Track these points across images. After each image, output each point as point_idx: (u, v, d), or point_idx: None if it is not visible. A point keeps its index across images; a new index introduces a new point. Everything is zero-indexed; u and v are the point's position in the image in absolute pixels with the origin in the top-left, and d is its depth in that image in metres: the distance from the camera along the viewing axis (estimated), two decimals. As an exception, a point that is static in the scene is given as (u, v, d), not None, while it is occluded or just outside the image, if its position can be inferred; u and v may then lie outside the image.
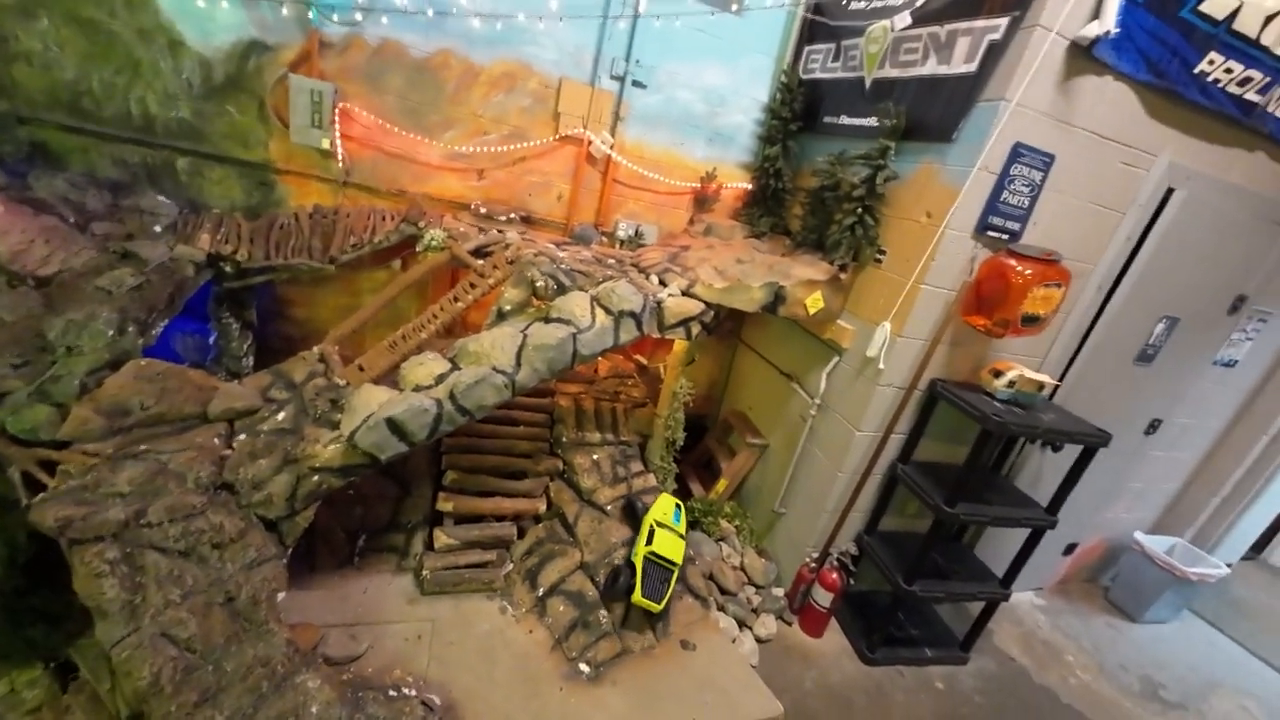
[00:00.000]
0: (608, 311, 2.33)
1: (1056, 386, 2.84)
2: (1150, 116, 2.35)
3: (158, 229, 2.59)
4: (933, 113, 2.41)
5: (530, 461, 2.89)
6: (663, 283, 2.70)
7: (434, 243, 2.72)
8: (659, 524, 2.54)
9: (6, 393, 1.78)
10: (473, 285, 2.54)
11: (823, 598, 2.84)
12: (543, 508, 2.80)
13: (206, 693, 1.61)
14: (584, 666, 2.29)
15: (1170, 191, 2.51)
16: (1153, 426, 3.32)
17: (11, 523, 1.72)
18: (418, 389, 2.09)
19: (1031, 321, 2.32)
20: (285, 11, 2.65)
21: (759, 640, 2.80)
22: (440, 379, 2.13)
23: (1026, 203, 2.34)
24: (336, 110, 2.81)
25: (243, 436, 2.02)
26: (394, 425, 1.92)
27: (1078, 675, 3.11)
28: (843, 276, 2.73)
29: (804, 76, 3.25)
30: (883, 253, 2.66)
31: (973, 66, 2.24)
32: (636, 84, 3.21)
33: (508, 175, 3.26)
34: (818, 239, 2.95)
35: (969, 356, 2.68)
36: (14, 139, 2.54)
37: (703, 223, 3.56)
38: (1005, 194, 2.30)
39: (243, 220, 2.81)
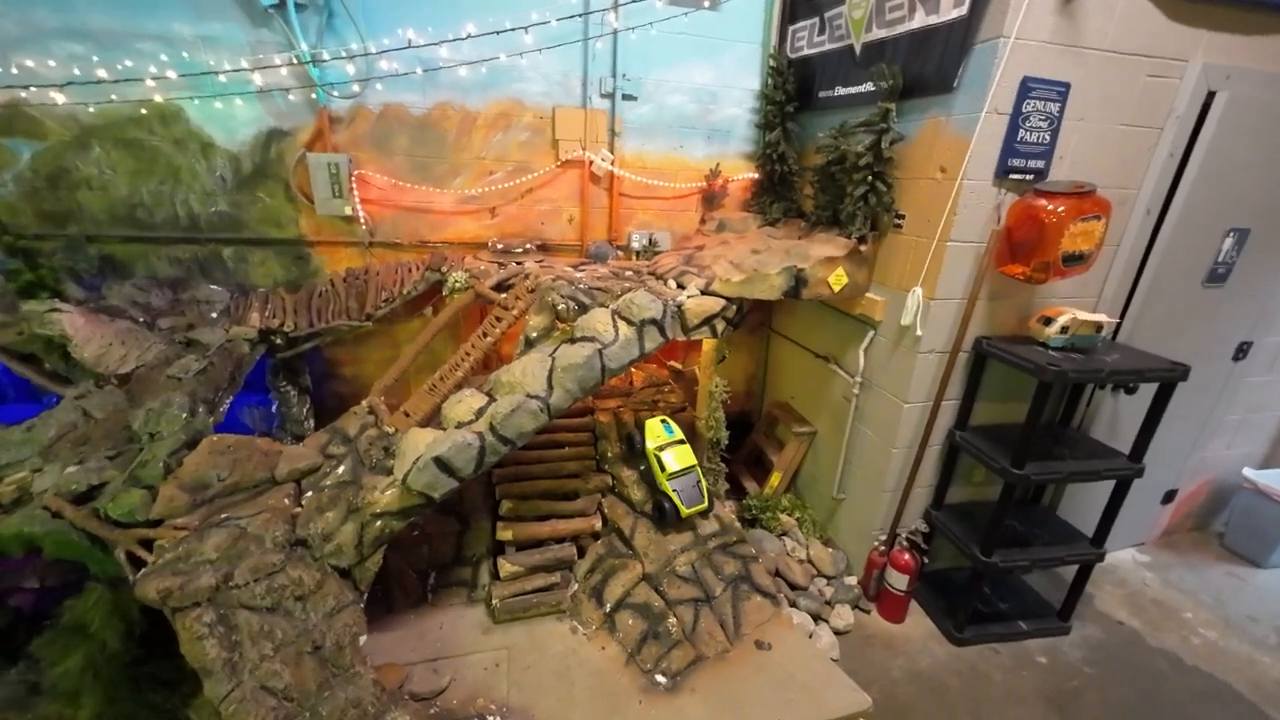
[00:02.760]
0: (629, 323, 2.36)
1: (1117, 325, 2.65)
2: (1173, 21, 2.18)
3: (214, 315, 2.83)
4: (929, 65, 2.32)
5: (580, 481, 2.94)
6: (680, 285, 2.71)
7: (457, 285, 2.84)
8: (658, 449, 2.70)
9: (105, 483, 1.99)
10: (498, 319, 2.64)
11: (898, 581, 2.73)
12: (599, 524, 2.83)
13: (308, 737, 1.71)
14: (660, 677, 2.29)
15: (1211, 95, 2.31)
16: (1241, 351, 3.02)
17: (124, 599, 1.90)
18: (460, 425, 2.18)
19: (1075, 260, 2.18)
20: (293, 97, 2.87)
21: (837, 632, 2.71)
22: (480, 413, 2.21)
23: (1047, 138, 2.21)
24: (353, 178, 3.00)
25: (310, 494, 2.16)
26: (442, 464, 2.01)
27: (1200, 634, 2.83)
28: (863, 248, 2.65)
29: (792, 56, 3.21)
30: (901, 217, 2.57)
31: (963, 10, 2.15)
32: (627, 98, 3.26)
33: (518, 209, 3.36)
34: (832, 215, 2.88)
35: (1013, 309, 2.54)
36: (86, 257, 2.85)
37: (714, 220, 3.55)
38: (1022, 133, 2.18)
39: (285, 294, 3.03)
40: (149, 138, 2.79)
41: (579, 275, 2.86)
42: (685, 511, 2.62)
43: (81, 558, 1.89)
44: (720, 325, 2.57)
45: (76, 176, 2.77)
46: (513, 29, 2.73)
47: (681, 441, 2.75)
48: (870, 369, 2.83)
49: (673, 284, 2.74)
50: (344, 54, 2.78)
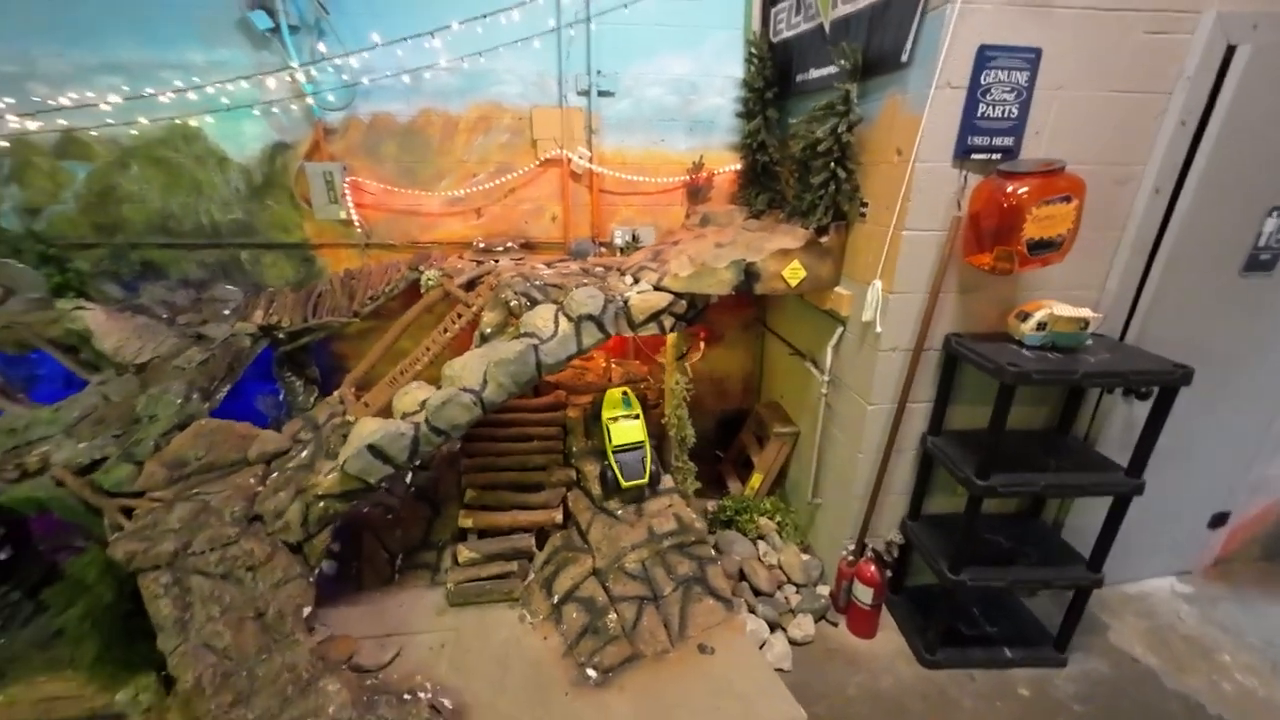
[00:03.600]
0: (569, 319, 2.38)
1: (1126, 321, 2.33)
2: (1175, -33, 1.88)
3: (226, 312, 3.15)
4: (886, 40, 2.15)
5: (545, 474, 3.00)
6: (636, 280, 2.69)
7: (430, 282, 2.98)
8: (611, 420, 2.80)
9: (106, 457, 2.29)
10: (459, 315, 2.74)
11: (864, 594, 2.56)
12: (560, 517, 2.88)
13: (240, 695, 1.90)
14: (591, 671, 2.30)
15: (1231, 50, 1.97)
16: (1307, 350, 2.56)
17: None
18: (404, 416, 2.30)
19: (1045, 247, 1.94)
20: (294, 110, 3.13)
21: (794, 643, 2.59)
22: (424, 405, 2.32)
23: (1015, 111, 1.98)
24: (347, 184, 3.22)
25: (275, 475, 2.37)
26: (375, 450, 2.14)
27: (1236, 679, 2.43)
28: (824, 240, 2.50)
29: (774, 39, 3.08)
30: (865, 205, 2.40)
31: (916, -24, 1.97)
32: (603, 94, 3.27)
33: (502, 209, 3.47)
34: (806, 205, 2.74)
35: (992, 303, 2.30)
36: (128, 263, 3.27)
37: (698, 214, 3.47)
38: (982, 108, 1.97)
39: (290, 293, 3.31)
40: (175, 155, 3.15)
41: (546, 272, 2.91)
42: (624, 484, 2.71)
43: (82, 521, 2.19)
44: (669, 321, 2.53)
45: (120, 192, 3.18)
46: (487, 14, 2.79)
47: (636, 417, 2.82)
48: (838, 367, 2.68)
49: (630, 279, 2.73)
50: (330, 69, 3.00)
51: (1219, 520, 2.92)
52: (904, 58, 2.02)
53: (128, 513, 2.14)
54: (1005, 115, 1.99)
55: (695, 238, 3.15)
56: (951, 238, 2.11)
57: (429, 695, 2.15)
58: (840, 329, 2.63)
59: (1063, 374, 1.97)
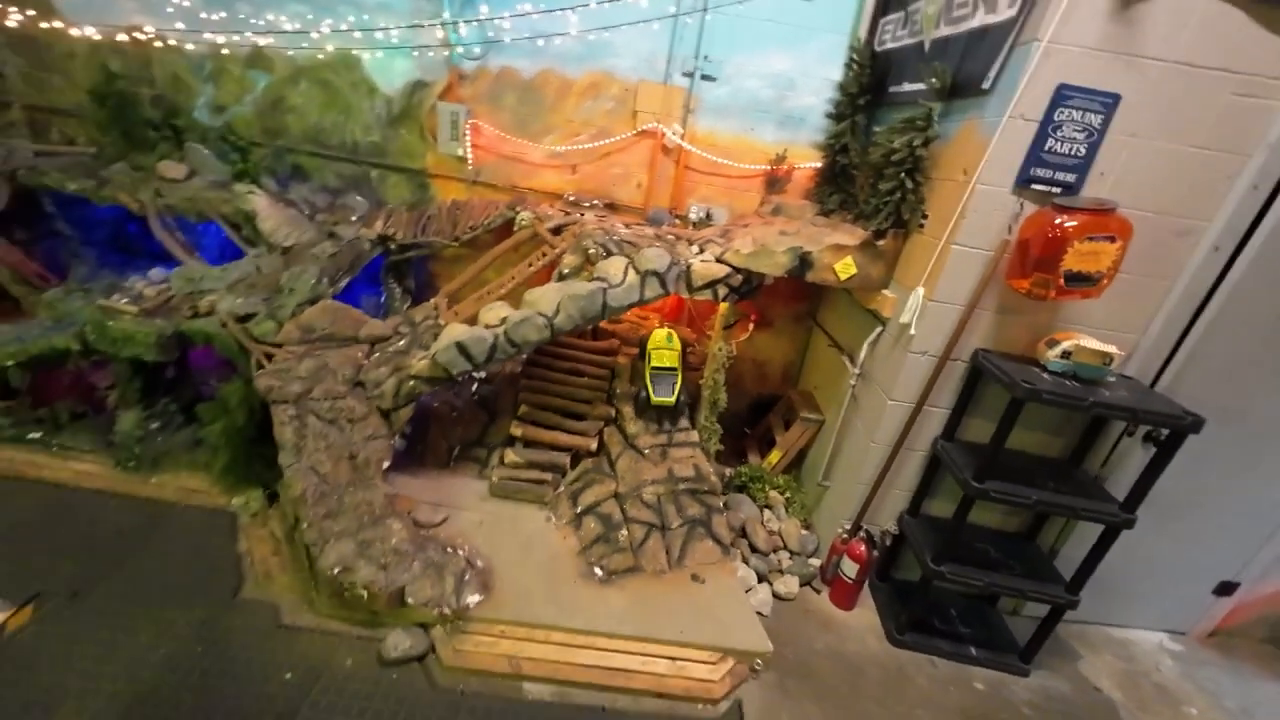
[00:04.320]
0: (637, 271, 2.73)
1: (1161, 367, 2.42)
2: (1274, 33, 1.94)
3: (353, 218, 3.72)
4: (976, 66, 2.31)
5: (589, 407, 3.40)
6: (701, 250, 2.99)
7: (523, 222, 3.41)
8: (654, 349, 3.22)
9: (255, 314, 2.88)
10: (544, 254, 3.15)
11: (849, 568, 2.82)
12: (594, 446, 3.29)
13: (331, 511, 2.43)
14: (598, 570, 2.70)
15: (1320, 123, 2.01)
16: (1355, 439, 2.53)
17: (252, 393, 2.77)
18: (487, 327, 2.74)
19: (1082, 281, 2.09)
20: (438, 54, 3.59)
21: (777, 596, 2.89)
22: (503, 320, 2.75)
23: (1083, 150, 2.12)
24: (468, 125, 3.68)
25: (376, 354, 2.89)
26: (461, 347, 2.59)
27: (1194, 729, 2.53)
28: (880, 243, 2.70)
29: (878, 49, 3.23)
30: (926, 217, 2.58)
31: (1014, 10, 2.13)
32: (706, 78, 3.53)
33: (595, 169, 3.84)
34: (871, 209, 2.93)
35: (1028, 327, 2.45)
36: (284, 163, 3.89)
37: (772, 203, 3.71)
38: (1051, 142, 2.11)
39: (404, 212, 3.84)
40: (335, 79, 3.71)
41: (622, 230, 3.26)
42: (654, 399, 3.14)
43: (232, 357, 2.79)
44: (723, 291, 2.83)
45: (287, 104, 3.79)
46: (609, -1, 3.14)
47: (673, 350, 3.23)
48: (870, 362, 2.89)
49: (695, 249, 3.03)
50: (477, 25, 3.43)
51: (1226, 589, 2.94)
52: (986, 85, 2.18)
53: (269, 357, 2.71)
54: (1072, 153, 2.12)
55: (764, 224, 3.41)
56: (997, 258, 2.28)
57: (466, 553, 2.62)
58: (879, 328, 2.84)
59: (1072, 399, 2.12)
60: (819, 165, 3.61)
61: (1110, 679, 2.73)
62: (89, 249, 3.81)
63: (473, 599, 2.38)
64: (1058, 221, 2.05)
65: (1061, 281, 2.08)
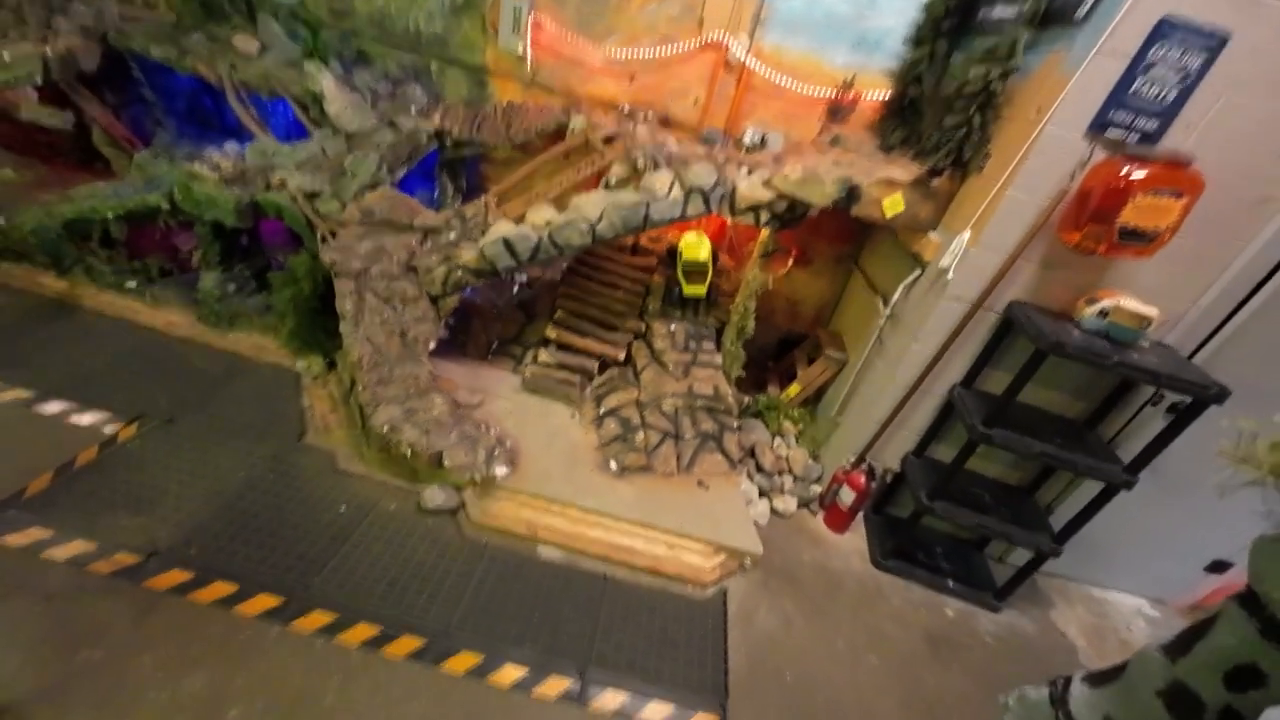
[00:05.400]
0: (683, 187, 2.76)
1: (1204, 340, 2.37)
2: None
3: (413, 110, 3.78)
4: (1075, -8, 2.13)
5: (621, 319, 3.56)
6: (750, 173, 2.97)
7: (576, 128, 3.41)
8: (685, 246, 3.41)
9: (320, 192, 3.07)
10: (593, 162, 3.19)
11: (846, 496, 3.00)
12: (622, 357, 3.47)
13: (383, 378, 2.71)
14: (613, 464, 2.96)
15: None
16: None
17: (317, 267, 3.02)
18: (533, 227, 2.86)
19: (1136, 237, 2.03)
20: (504, -59, 3.47)
21: (774, 511, 3.12)
22: (548, 222, 2.86)
23: (1172, 96, 1.98)
24: (530, 19, 3.61)
25: (428, 243, 3.07)
26: (507, 243, 2.73)
27: (1147, 679, 2.70)
28: (934, 182, 2.63)
29: (976, -33, 2.95)
30: (988, 158, 2.49)
31: (1130, -72, 1.93)
32: (782, -15, 3.32)
33: (653, 80, 3.74)
34: (932, 145, 2.82)
35: (1070, 284, 2.41)
36: (349, 47, 3.93)
37: (831, 133, 3.57)
38: (1139, 84, 1.99)
39: (461, 108, 3.88)
40: (402, -39, 3.65)
41: (673, 146, 3.24)
42: (686, 290, 3.43)
43: (300, 230, 3.02)
44: (765, 216, 2.84)
45: (355, -15, 3.77)
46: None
47: (704, 248, 3.41)
48: (902, 305, 2.90)
49: (744, 171, 3.01)
50: (547, -94, 3.27)
51: (1219, 567, 3.00)
52: (1080, 14, 2.03)
53: (333, 234, 2.92)
54: (1159, 98, 1.99)
55: (818, 153, 3.32)
56: (1051, 207, 2.22)
57: (497, 433, 2.90)
58: (918, 272, 2.82)
59: (1098, 357, 2.13)
60: (887, 96, 3.42)
61: (1078, 628, 2.90)
62: (170, 118, 4.03)
63: (500, 470, 2.68)
64: (1125, 171, 1.97)
65: (1115, 236, 2.03)
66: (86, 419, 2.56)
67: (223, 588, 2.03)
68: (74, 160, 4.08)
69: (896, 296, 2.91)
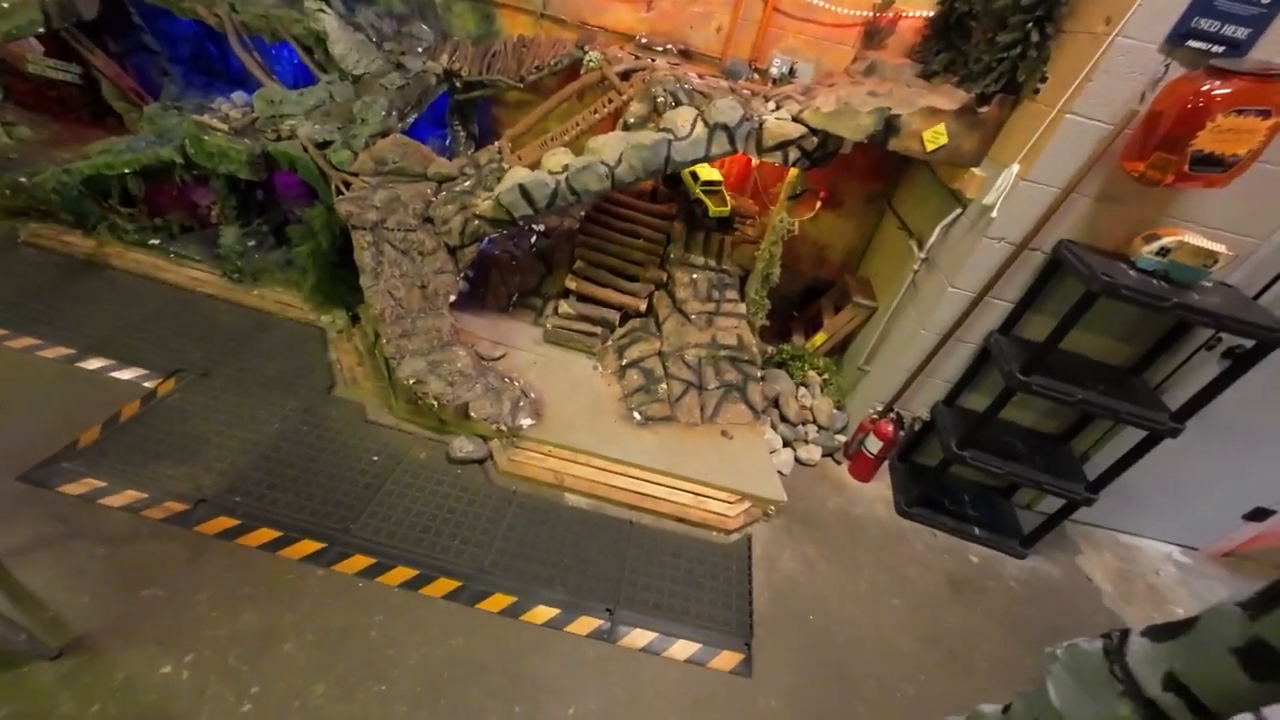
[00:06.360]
0: (706, 124, 2.59)
1: (1270, 282, 2.20)
2: None
3: (420, 50, 3.60)
4: (1163, -126, 1.85)
5: (642, 269, 3.46)
6: (778, 108, 2.77)
7: (591, 64, 3.21)
8: (698, 170, 3.44)
9: (331, 141, 2.98)
10: (610, 100, 3.01)
11: (872, 444, 2.96)
12: (643, 307, 3.40)
13: (406, 332, 2.71)
14: (637, 415, 2.96)
15: None
16: None
17: (334, 218, 2.98)
18: (550, 172, 2.75)
19: (1211, 164, 1.85)
20: None
21: (798, 461, 3.12)
22: (565, 167, 2.74)
23: (1268, -1, 1.74)
24: (540, -57, 3.33)
25: (443, 192, 2.99)
26: (523, 190, 2.64)
27: (1173, 623, 2.70)
28: (982, 110, 2.42)
29: None
30: (1044, 80, 2.26)
31: None
32: (817, -111, 2.98)
33: (673, 6, 3.46)
34: (981, 68, 2.58)
35: (1125, 222, 2.23)
36: (349, -19, 3.71)
37: (866, 60, 3.29)
38: (1231, -16, 1.75)
39: (469, 46, 3.67)
40: (400, -122, 3.36)
41: (695, 80, 3.03)
42: (712, 210, 3.37)
43: (314, 182, 2.96)
44: (795, 154, 2.67)
45: (351, -91, 3.50)
46: None
47: (715, 170, 3.53)
48: (939, 247, 2.75)
49: (772, 105, 2.81)
50: None
51: (1259, 515, 2.92)
52: (1168, -100, 1.76)
53: (346, 185, 2.86)
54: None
55: (852, 84, 3.07)
56: (1116, 133, 2.02)
57: (521, 384, 2.91)
58: (958, 211, 2.65)
59: (1153, 299, 2.00)
60: (930, 15, 3.11)
61: (1104, 574, 2.89)
62: (176, 66, 3.92)
63: (525, 421, 2.70)
64: (1205, 88, 1.76)
65: (1185, 165, 1.85)
66: (126, 374, 2.64)
67: (267, 533, 2.13)
68: (86, 116, 4.03)
69: (934, 238, 2.75)
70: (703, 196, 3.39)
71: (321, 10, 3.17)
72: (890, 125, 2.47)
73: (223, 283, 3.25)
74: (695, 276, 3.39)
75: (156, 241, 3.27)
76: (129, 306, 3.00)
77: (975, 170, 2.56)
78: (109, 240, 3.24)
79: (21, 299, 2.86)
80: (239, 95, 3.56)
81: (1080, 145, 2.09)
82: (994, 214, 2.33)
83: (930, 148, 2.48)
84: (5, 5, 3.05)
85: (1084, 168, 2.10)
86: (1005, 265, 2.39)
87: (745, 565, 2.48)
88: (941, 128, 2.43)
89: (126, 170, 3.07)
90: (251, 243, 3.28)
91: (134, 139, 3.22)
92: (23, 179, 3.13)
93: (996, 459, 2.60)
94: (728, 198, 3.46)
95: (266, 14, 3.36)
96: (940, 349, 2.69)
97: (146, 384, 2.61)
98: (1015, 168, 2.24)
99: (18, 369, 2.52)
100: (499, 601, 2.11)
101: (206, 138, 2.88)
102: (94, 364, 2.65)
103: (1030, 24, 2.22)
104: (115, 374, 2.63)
